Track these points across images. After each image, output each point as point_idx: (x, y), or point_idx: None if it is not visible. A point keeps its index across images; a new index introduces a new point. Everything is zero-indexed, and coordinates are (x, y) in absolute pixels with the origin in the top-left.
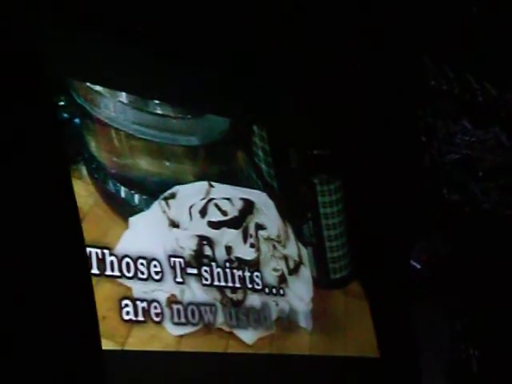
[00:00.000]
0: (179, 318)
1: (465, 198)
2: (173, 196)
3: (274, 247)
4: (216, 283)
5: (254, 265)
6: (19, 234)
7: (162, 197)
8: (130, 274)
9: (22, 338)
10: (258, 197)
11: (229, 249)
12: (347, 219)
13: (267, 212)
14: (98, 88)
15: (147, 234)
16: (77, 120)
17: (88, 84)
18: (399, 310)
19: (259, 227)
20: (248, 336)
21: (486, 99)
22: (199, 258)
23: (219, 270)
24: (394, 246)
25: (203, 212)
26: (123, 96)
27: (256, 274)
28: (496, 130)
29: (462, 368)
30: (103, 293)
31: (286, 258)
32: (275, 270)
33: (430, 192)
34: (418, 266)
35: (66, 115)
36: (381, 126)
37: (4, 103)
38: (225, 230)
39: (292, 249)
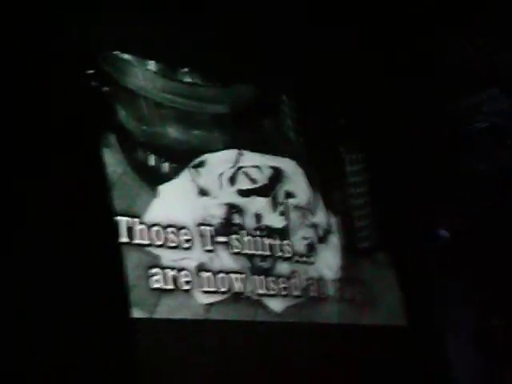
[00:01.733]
0: (208, 286)
1: (493, 167)
2: (202, 164)
3: (304, 215)
4: (245, 251)
5: (284, 233)
6: (49, 203)
7: (191, 165)
8: (159, 243)
9: (53, 307)
10: (288, 165)
11: (258, 217)
12: (373, 189)
13: (296, 180)
14: (126, 56)
15: (176, 202)
16: (106, 89)
17: (116, 52)
18: (426, 279)
19: (288, 195)
20: (277, 304)
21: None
22: (228, 227)
23: (248, 238)
24: (421, 217)
25: (232, 180)
26: (152, 64)
27: (285, 242)
28: None
29: (488, 337)
30: (132, 261)
31: (315, 227)
32: (304, 238)
33: (457, 161)
34: (447, 235)
35: (94, 84)
36: (404, 97)
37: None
38: (254, 198)
39: (321, 217)
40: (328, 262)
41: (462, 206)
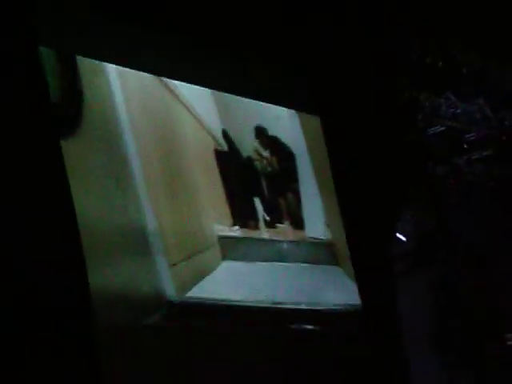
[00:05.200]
0: None
1: (449, 171)
2: None
3: None
4: None
5: None
6: None
7: None
8: None
9: None
10: None
11: None
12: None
13: None
14: None
15: None
16: None
17: None
18: (384, 282)
19: None
20: None
21: (470, 71)
22: None
23: None
24: (379, 220)
25: None
26: None
27: None
28: (480, 101)
29: (446, 340)
30: None
31: None
32: None
33: (415, 165)
34: (404, 239)
35: None
36: (365, 100)
37: None
38: None
39: None
40: None
41: (421, 209)
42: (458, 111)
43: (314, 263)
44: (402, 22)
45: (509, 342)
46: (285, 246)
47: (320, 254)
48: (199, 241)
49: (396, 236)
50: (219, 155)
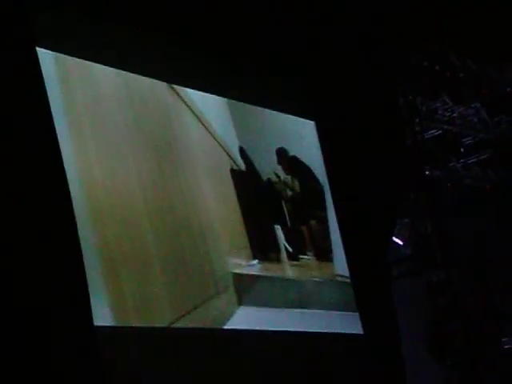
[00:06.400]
0: None
1: (447, 174)
2: None
3: None
4: None
5: None
6: None
7: None
8: None
9: None
10: None
11: None
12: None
13: None
14: None
15: None
16: None
17: None
18: (382, 286)
19: None
20: None
21: (466, 75)
22: None
23: None
24: (377, 223)
25: None
26: None
27: None
28: (477, 105)
29: (444, 343)
30: None
31: None
32: None
33: (412, 168)
34: (401, 243)
35: None
36: (361, 104)
37: None
38: None
39: None
40: None
41: (418, 213)
42: (455, 115)
43: (338, 309)
44: (399, 27)
45: (506, 346)
46: (309, 286)
47: (347, 296)
48: (208, 282)
49: (393, 240)
50: (236, 175)
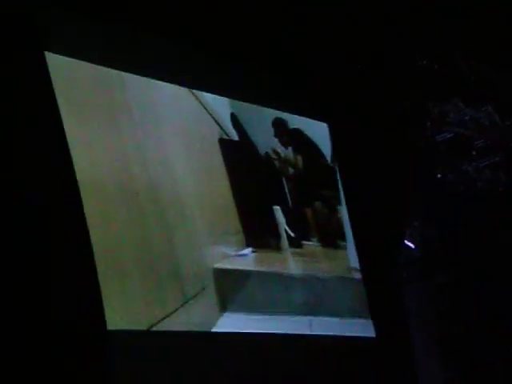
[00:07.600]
0: None
1: (458, 178)
2: None
3: None
4: None
5: None
6: None
7: None
8: None
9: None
10: None
11: None
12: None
13: None
14: None
15: None
16: None
17: None
18: (393, 288)
19: None
20: None
21: (478, 79)
22: None
23: None
24: (389, 227)
25: None
26: None
27: None
28: (488, 108)
29: (452, 344)
30: None
31: None
32: None
33: (424, 172)
34: (412, 246)
35: None
36: (373, 107)
37: None
38: None
39: None
40: None
41: (430, 216)
42: (467, 118)
43: (353, 315)
44: (410, 29)
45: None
46: (319, 286)
47: (360, 296)
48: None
49: (404, 243)
50: (226, 146)
